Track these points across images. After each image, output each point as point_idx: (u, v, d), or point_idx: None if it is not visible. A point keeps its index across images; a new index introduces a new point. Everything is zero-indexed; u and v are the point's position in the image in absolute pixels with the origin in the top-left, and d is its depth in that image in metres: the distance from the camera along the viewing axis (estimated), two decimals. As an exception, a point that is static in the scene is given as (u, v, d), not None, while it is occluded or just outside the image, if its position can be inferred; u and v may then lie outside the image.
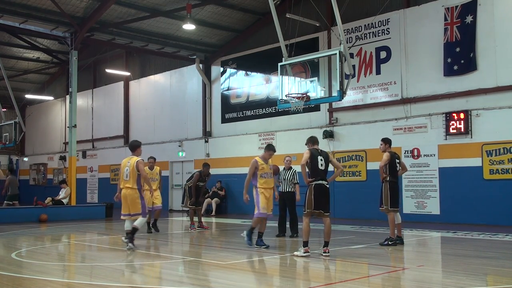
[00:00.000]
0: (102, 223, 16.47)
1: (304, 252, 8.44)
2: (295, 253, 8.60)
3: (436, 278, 6.99)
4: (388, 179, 9.84)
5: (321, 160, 8.64)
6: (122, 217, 9.74)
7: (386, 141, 10.25)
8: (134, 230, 9.54)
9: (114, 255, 9.23)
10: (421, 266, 7.86)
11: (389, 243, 9.67)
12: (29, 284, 6.62)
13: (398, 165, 10.07)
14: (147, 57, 24.95)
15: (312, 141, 8.96)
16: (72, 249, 11.10)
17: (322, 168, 8.61)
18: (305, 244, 8.48)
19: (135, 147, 9.94)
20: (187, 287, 6.59)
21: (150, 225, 12.90)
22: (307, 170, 8.59)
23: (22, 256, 9.22)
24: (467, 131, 14.45)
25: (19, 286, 6.54)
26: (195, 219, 13.48)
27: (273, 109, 19.35)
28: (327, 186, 8.62)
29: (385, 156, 9.95)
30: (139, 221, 9.57)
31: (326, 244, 8.51)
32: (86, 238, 12.46)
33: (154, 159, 13.31)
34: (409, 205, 15.41)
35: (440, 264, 8.35)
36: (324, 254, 8.42)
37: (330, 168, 8.89)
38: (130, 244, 9.45)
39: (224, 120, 21.53)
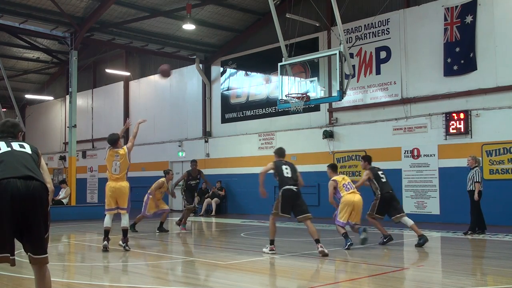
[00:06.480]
0: (102, 223, 16.41)
1: (270, 250, 8.71)
2: (263, 249, 8.87)
3: (436, 278, 6.99)
4: (380, 192, 9.99)
5: (286, 168, 8.92)
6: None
7: (365, 159, 10.51)
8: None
9: (114, 255, 9.22)
10: (421, 266, 7.86)
11: (384, 240, 9.81)
12: (29, 284, 6.61)
13: (383, 175, 10.15)
14: (147, 57, 24.93)
15: (278, 153, 9.29)
16: (72, 249, 11.11)
17: (289, 175, 8.86)
18: (271, 242, 8.78)
19: (115, 140, 9.66)
20: (187, 287, 6.59)
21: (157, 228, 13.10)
22: (264, 176, 8.89)
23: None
24: (467, 131, 14.44)
25: (19, 286, 6.54)
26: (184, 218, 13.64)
27: (273, 109, 19.34)
28: (296, 190, 8.79)
29: (365, 175, 10.22)
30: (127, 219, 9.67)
31: (317, 241, 8.52)
32: (86, 238, 12.46)
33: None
34: (409, 205, 15.38)
35: (440, 264, 8.35)
36: (320, 249, 8.38)
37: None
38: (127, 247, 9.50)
39: (224, 120, 21.52)
